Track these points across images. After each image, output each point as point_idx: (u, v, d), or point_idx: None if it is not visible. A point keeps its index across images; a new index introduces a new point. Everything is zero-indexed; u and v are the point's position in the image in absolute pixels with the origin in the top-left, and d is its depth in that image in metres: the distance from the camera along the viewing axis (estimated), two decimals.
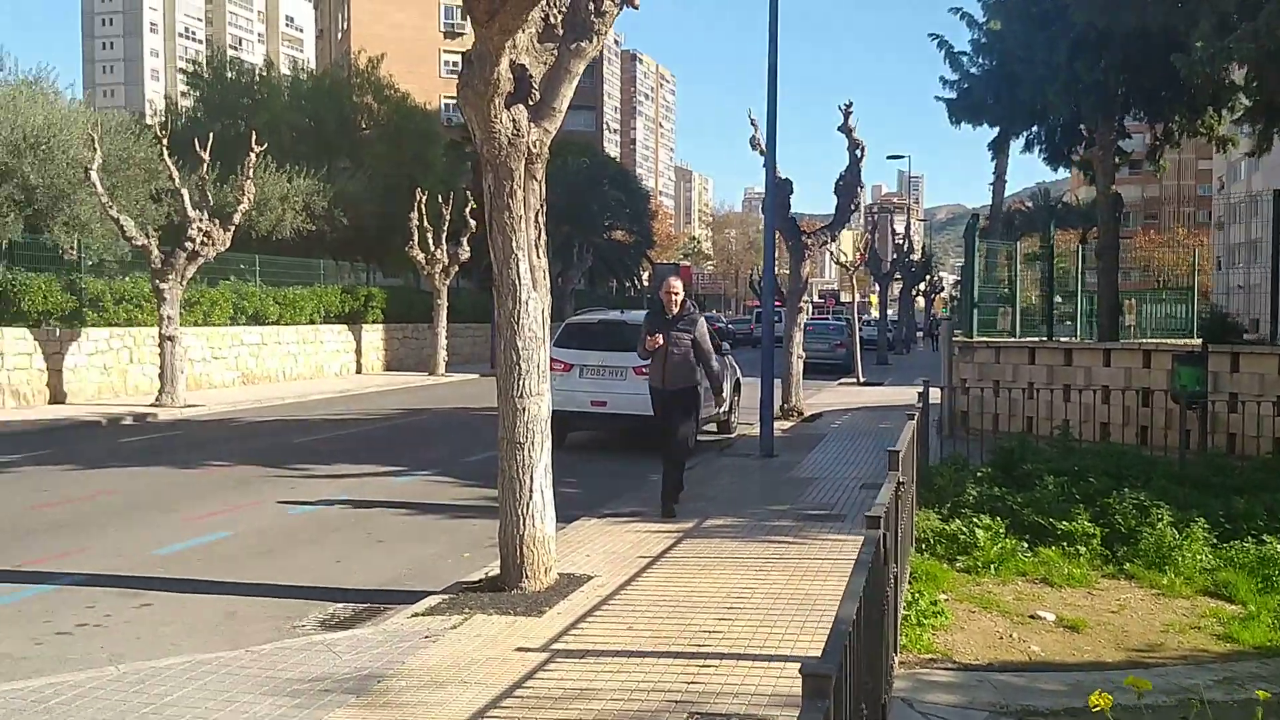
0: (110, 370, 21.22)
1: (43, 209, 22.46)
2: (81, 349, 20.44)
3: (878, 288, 49.36)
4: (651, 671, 5.44)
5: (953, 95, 20.43)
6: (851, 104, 20.01)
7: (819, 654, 5.62)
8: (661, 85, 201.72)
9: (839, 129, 20.04)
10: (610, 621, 6.40)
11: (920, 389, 11.55)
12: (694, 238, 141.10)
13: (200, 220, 20.07)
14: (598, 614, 6.55)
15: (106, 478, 12.41)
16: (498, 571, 7.27)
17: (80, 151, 21.05)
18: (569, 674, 5.45)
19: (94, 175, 19.24)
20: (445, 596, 7.01)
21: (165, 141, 20.60)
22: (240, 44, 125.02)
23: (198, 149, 20.54)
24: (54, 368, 19.78)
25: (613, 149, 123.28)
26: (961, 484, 9.68)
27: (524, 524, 7.06)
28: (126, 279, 22.44)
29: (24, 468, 12.96)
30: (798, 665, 5.43)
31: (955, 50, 20.31)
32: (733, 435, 16.36)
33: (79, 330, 20.33)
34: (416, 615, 6.61)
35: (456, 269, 31.38)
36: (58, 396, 19.73)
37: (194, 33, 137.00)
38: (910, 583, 6.87)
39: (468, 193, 31.93)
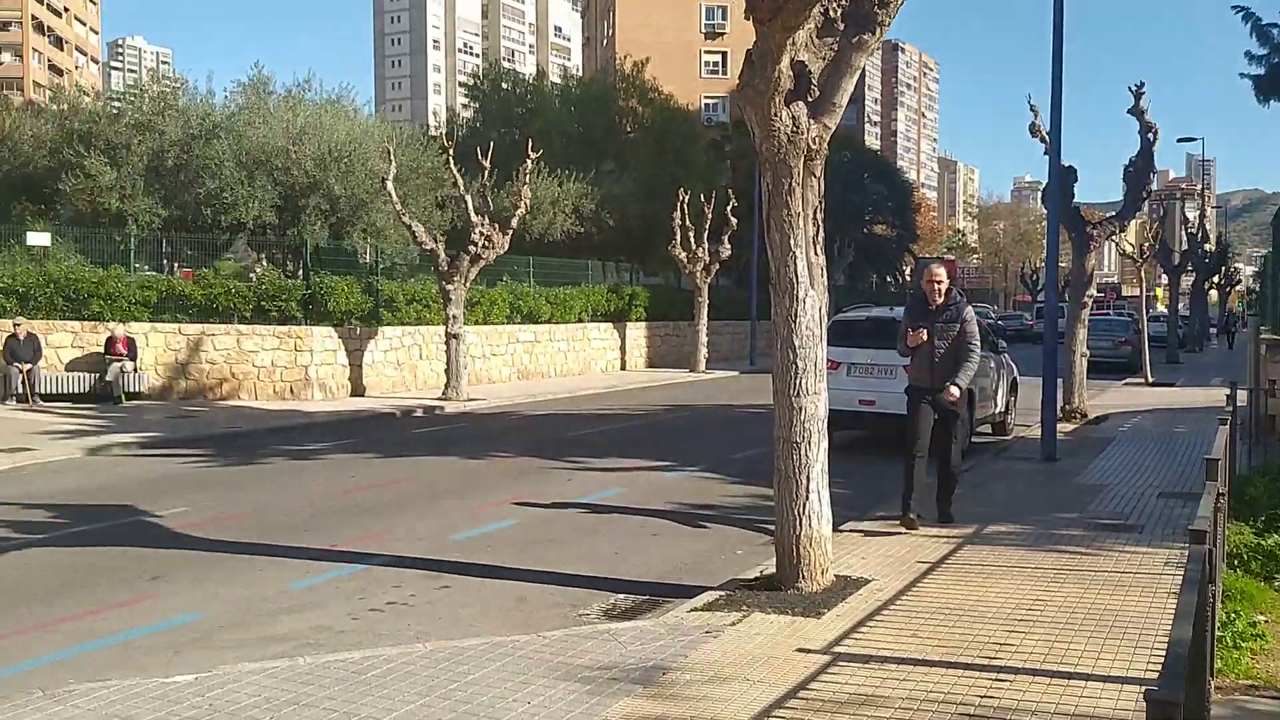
0: (402, 366, 22.85)
1: (344, 217, 24.44)
2: (378, 346, 22.12)
3: (1165, 280, 45.81)
4: (940, 682, 5.27)
5: (1260, 71, 18.65)
6: (1143, 84, 18.71)
7: (1125, 673, 5.31)
8: (924, 74, 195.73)
9: (1129, 111, 18.78)
10: (892, 627, 6.25)
11: (1226, 391, 10.63)
12: (959, 230, 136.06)
13: (482, 224, 21.24)
14: (878, 619, 6.42)
15: (403, 466, 13.37)
16: (773, 570, 7.27)
17: (376, 163, 22.75)
18: (853, 678, 5.37)
19: (389, 185, 20.76)
20: (722, 593, 7.07)
21: (450, 151, 21.98)
22: (513, 56, 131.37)
23: (479, 157, 21.76)
24: (354, 363, 21.52)
25: (873, 141, 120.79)
26: (1277, 495, 8.83)
27: (801, 524, 7.02)
28: (415, 281, 24.10)
29: (333, 455, 14.17)
30: (1100, 684, 5.15)
31: (1263, 23, 18.52)
32: (1009, 437, 15.66)
33: (376, 329, 22.01)
34: (695, 610, 6.71)
35: (717, 267, 31.69)
36: (358, 390, 21.44)
37: (471, 47, 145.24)
38: (1224, 601, 6.33)
39: (729, 191, 32.19)
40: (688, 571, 8.14)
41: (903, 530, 8.75)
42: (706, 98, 67.55)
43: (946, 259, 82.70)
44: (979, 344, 9.22)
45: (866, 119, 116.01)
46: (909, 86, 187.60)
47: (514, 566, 8.19)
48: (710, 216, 30.65)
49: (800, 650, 5.84)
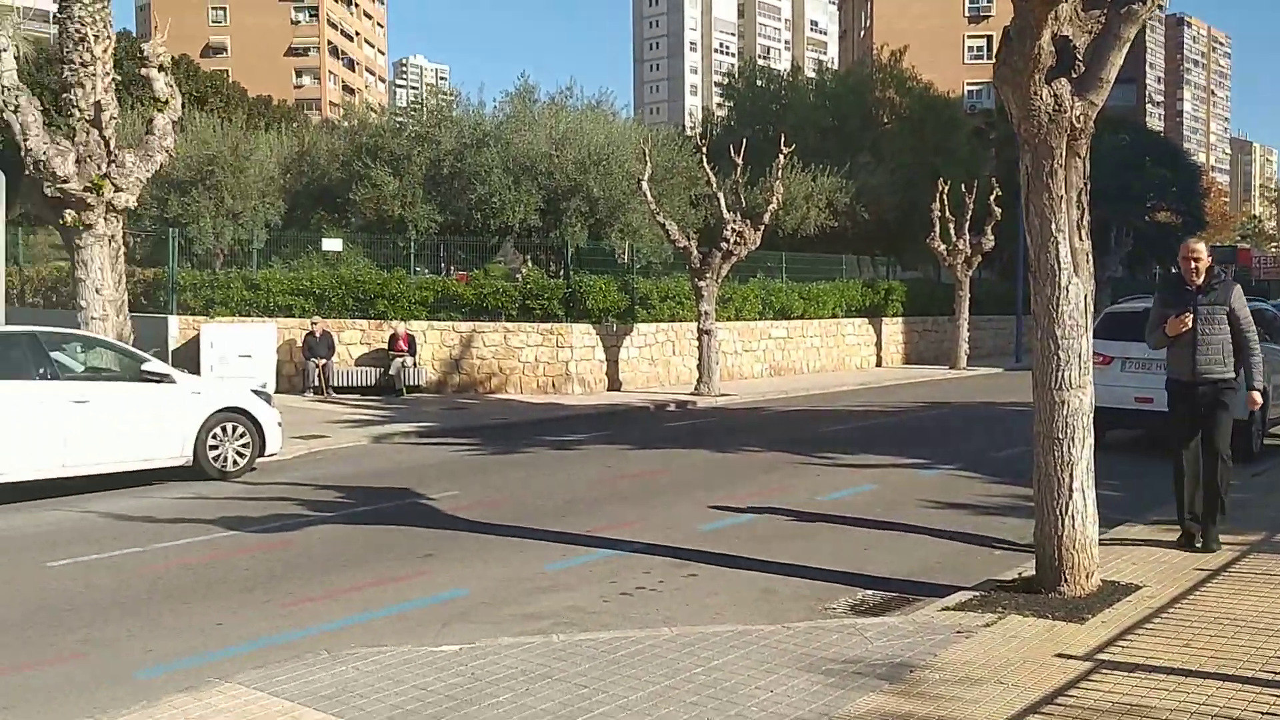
0: (656, 362, 23.38)
1: (603, 218, 25.26)
2: (633, 342, 22.74)
3: None
4: (1214, 696, 4.87)
5: None
6: None
7: None
8: (1214, 49, 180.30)
9: None
10: (1162, 636, 5.83)
11: None
12: (1254, 216, 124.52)
13: (734, 221, 21.40)
14: (1147, 627, 6.01)
15: (655, 458, 13.69)
16: (1033, 572, 6.95)
17: (633, 165, 23.39)
18: (1116, 688, 5.05)
19: (645, 185, 21.31)
20: (977, 593, 6.83)
21: (704, 150, 22.29)
22: (769, 53, 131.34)
23: (731, 155, 21.93)
24: (611, 359, 22.21)
25: (1155, 122, 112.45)
26: None
27: (1063, 525, 6.67)
28: (669, 278, 24.59)
29: (590, 446, 14.71)
30: None
31: None
32: None
33: (631, 326, 22.63)
34: (947, 609, 6.51)
35: (979, 259, 30.49)
36: (614, 384, 22.12)
37: (727, 47, 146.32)
38: None
39: (992, 180, 30.88)
40: (940, 570, 7.90)
41: (1180, 544, 8.01)
42: (969, 84, 65.02)
43: (1240, 248, 75.79)
44: (1255, 330, 8.09)
45: (1148, 98, 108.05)
46: (1196, 63, 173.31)
47: (761, 558, 8.22)
48: (972, 207, 29.51)
49: (1060, 656, 5.55)
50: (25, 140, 12.54)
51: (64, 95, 13.20)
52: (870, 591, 7.38)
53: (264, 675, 5.34)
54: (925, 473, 12.37)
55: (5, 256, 16.75)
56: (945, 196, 29.13)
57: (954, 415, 18.95)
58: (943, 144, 37.97)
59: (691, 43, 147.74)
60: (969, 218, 29.59)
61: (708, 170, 22.05)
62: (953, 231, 29.45)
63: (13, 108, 12.62)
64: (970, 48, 69.08)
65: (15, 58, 13.38)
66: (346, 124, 31.40)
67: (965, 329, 29.94)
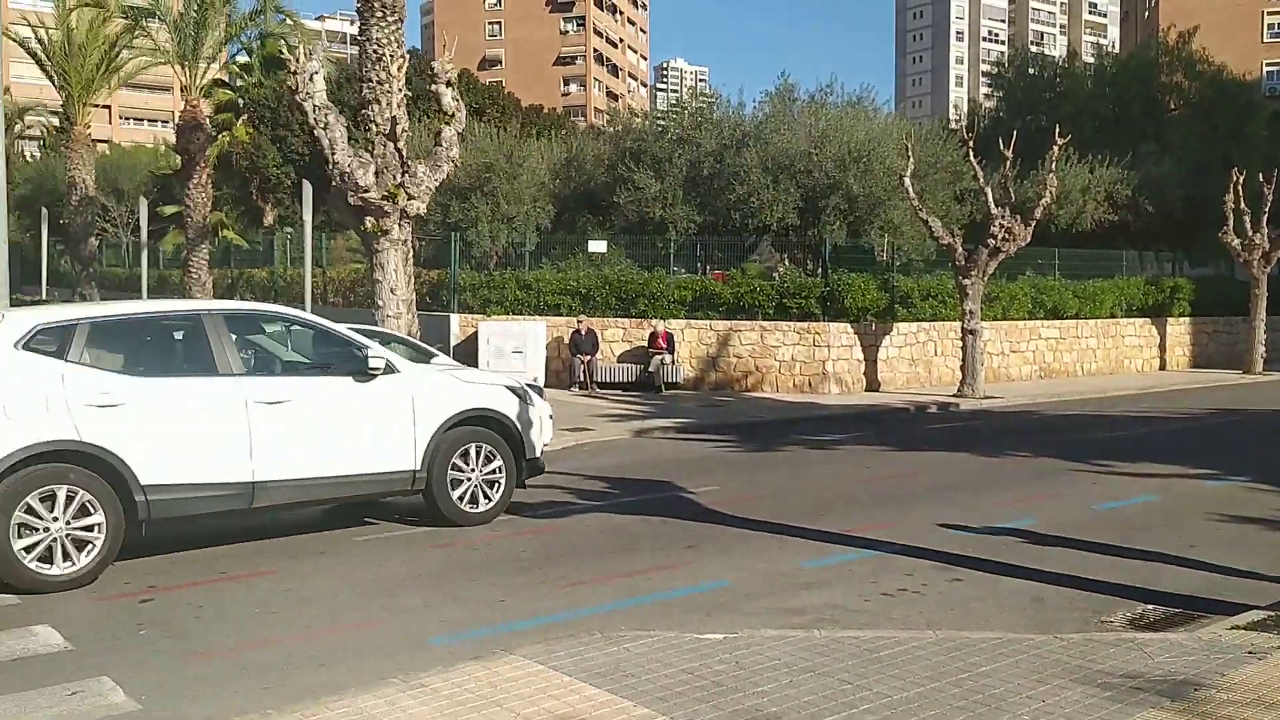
0: (916, 362, 22.85)
1: (862, 215, 24.93)
2: (893, 342, 22.33)
3: None
4: None
5: None
6: None
7: None
8: None
9: None
10: None
11: None
12: None
13: (1002, 217, 20.62)
14: None
15: (916, 460, 13.46)
16: None
17: (894, 160, 22.97)
18: None
19: (907, 181, 20.89)
20: (1270, 613, 6.38)
21: (970, 143, 21.60)
22: (1042, 39, 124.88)
23: (1000, 147, 21.14)
24: (869, 359, 21.91)
25: None
26: None
27: None
28: (931, 277, 23.96)
29: (848, 446, 14.62)
30: None
31: None
32: None
33: (890, 325, 22.23)
34: (1237, 628, 6.13)
35: (1278, 255, 27.92)
36: (872, 384, 21.81)
37: (996, 35, 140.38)
38: None
39: None
40: (1228, 588, 7.40)
41: None
42: (1269, 64, 59.39)
43: None
44: None
45: None
46: None
47: (1030, 566, 7.96)
48: (1270, 198, 27.06)
49: None
50: (333, 154, 13.80)
51: (362, 111, 14.42)
52: (1151, 606, 7.02)
53: (545, 650, 5.73)
54: (1213, 484, 11.55)
55: (310, 259, 18.53)
56: (1240, 187, 26.90)
57: (1246, 423, 17.50)
58: (1237, 130, 35.03)
59: (958, 32, 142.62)
60: (1267, 209, 27.16)
61: (974, 164, 21.42)
62: (1248, 225, 27.15)
63: (323, 125, 13.92)
64: (1269, 25, 62.97)
65: (324, 79, 14.75)
66: (611, 129, 32.44)
67: (1261, 330, 27.55)
